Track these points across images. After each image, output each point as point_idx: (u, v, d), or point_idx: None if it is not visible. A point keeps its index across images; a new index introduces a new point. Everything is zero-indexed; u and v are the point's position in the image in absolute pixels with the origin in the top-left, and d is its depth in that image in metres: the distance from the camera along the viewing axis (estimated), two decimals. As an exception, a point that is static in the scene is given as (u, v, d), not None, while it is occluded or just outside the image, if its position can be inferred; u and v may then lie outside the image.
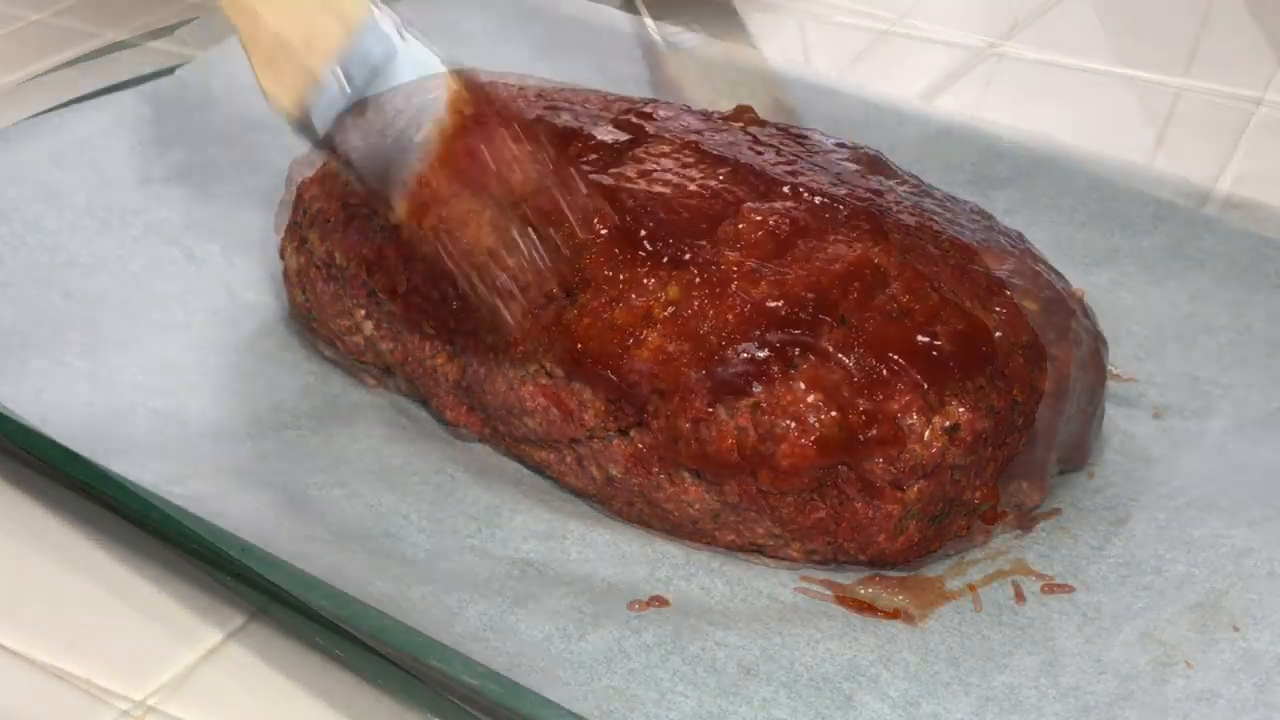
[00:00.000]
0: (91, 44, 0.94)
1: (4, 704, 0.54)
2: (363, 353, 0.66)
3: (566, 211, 0.52)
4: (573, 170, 0.53)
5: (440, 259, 0.53)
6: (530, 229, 0.52)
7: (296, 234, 0.67)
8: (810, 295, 0.57)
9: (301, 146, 0.66)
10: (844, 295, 0.57)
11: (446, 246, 0.53)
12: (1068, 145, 0.76)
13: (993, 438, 0.57)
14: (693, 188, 0.61)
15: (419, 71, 0.53)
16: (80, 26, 0.96)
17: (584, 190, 0.52)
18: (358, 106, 0.53)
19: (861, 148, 0.66)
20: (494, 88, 0.53)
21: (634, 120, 0.65)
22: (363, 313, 0.64)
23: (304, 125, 0.54)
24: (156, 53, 0.93)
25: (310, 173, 0.68)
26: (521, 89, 0.69)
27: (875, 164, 0.65)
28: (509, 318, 0.53)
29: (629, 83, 0.81)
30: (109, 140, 0.75)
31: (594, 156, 0.63)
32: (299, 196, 0.67)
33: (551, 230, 0.52)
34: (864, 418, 0.56)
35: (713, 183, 0.61)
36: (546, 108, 0.66)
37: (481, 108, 0.52)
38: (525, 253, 0.52)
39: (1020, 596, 0.57)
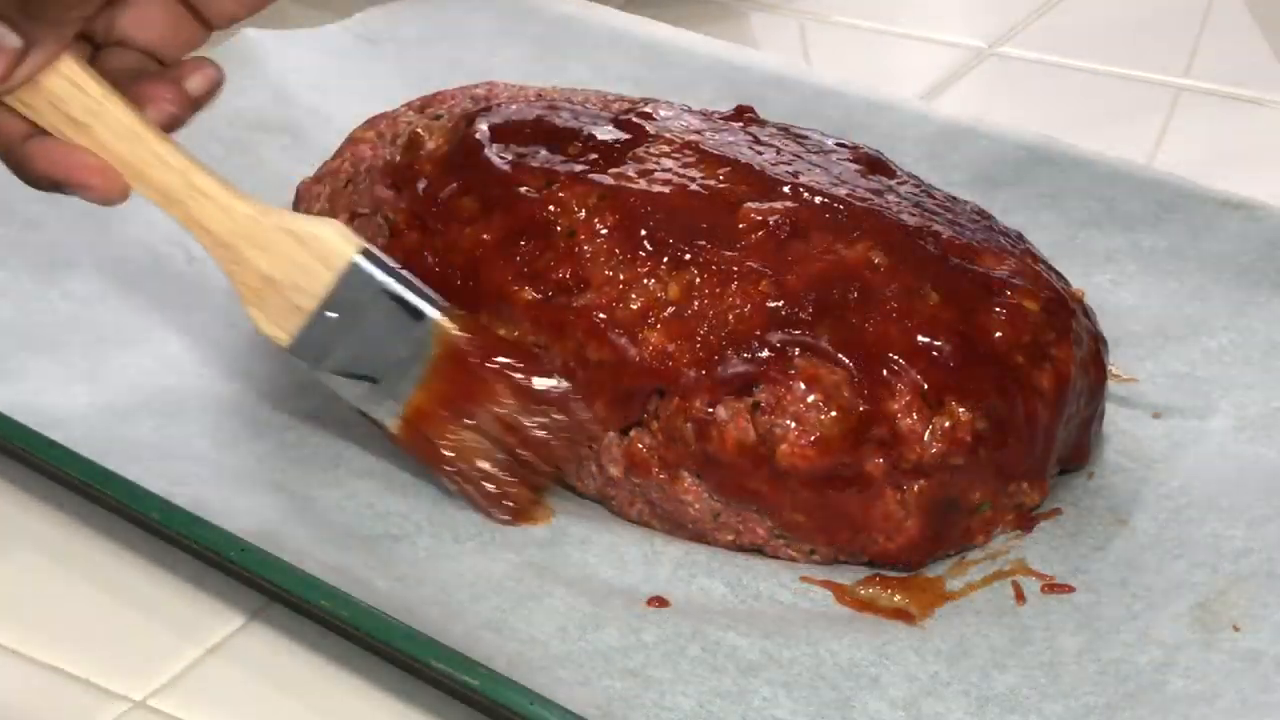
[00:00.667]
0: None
1: (4, 704, 0.54)
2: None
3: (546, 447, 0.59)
4: (570, 405, 0.59)
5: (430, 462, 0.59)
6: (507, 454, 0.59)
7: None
8: (810, 295, 0.57)
9: (310, 167, 0.67)
10: (844, 295, 0.57)
11: (435, 456, 0.59)
12: (1068, 145, 0.76)
13: (992, 438, 0.57)
14: (693, 188, 0.61)
15: (407, 310, 0.58)
16: (80, 26, 0.96)
17: (580, 422, 0.59)
18: (346, 330, 0.58)
19: (861, 148, 0.65)
20: (487, 331, 0.59)
21: (634, 120, 0.65)
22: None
23: (295, 353, 0.58)
24: (156, 53, 0.92)
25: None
26: (521, 89, 0.69)
27: (875, 164, 0.65)
28: (489, 510, 0.59)
29: (628, 83, 0.81)
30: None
31: (594, 156, 0.63)
32: (299, 197, 0.67)
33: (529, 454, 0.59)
34: (864, 418, 0.56)
35: (713, 183, 0.61)
36: (546, 108, 0.66)
37: (476, 346, 0.58)
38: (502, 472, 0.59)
39: (1020, 596, 0.57)
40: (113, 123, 0.55)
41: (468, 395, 0.58)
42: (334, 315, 0.57)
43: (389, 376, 0.58)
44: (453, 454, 0.58)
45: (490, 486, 0.59)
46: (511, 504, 0.59)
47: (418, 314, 0.58)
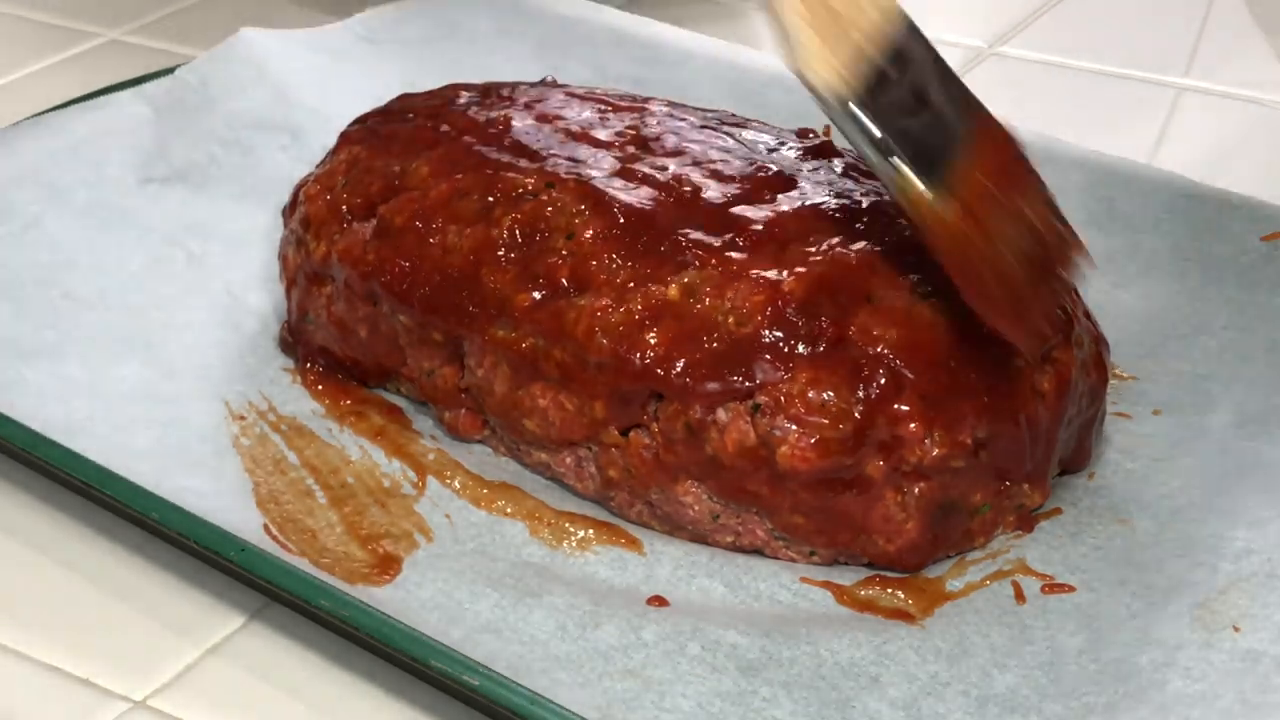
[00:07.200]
0: (91, 44, 0.94)
1: (4, 704, 0.54)
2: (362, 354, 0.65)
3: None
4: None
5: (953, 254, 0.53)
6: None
7: (295, 235, 0.67)
8: (810, 297, 0.57)
9: (310, 167, 0.67)
10: (845, 297, 0.57)
11: (972, 248, 0.52)
12: (1068, 145, 0.76)
13: (993, 440, 0.57)
14: (692, 189, 0.61)
15: (950, 81, 0.54)
16: (80, 26, 0.96)
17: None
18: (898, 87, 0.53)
19: (861, 148, 0.66)
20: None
21: (633, 121, 0.65)
22: (361, 315, 0.64)
23: (839, 98, 0.53)
24: (156, 53, 0.93)
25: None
26: (517, 85, 0.69)
27: (875, 164, 0.64)
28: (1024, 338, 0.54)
29: (628, 82, 0.81)
30: (109, 140, 0.75)
31: (594, 158, 0.63)
32: (297, 197, 0.67)
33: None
34: (864, 420, 0.56)
35: (712, 184, 0.61)
36: (547, 110, 0.66)
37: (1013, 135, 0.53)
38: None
39: (1020, 596, 0.57)
40: None
41: (1014, 180, 0.52)
42: (890, 67, 0.53)
43: (928, 145, 0.53)
44: (998, 239, 0.52)
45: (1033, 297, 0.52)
46: (1047, 330, 0.53)
47: (958, 86, 0.53)
